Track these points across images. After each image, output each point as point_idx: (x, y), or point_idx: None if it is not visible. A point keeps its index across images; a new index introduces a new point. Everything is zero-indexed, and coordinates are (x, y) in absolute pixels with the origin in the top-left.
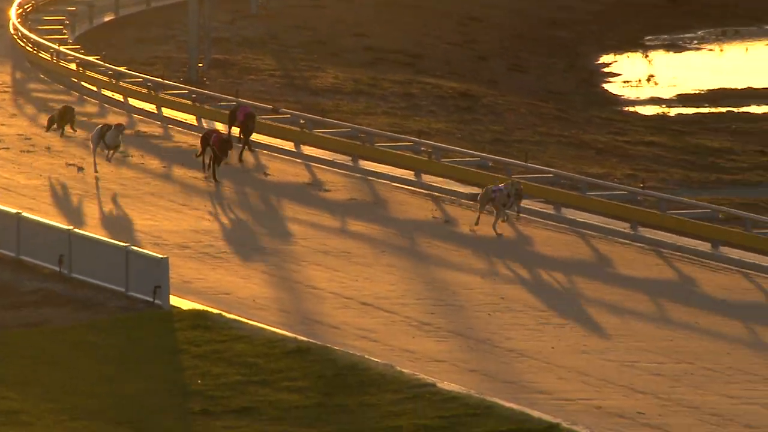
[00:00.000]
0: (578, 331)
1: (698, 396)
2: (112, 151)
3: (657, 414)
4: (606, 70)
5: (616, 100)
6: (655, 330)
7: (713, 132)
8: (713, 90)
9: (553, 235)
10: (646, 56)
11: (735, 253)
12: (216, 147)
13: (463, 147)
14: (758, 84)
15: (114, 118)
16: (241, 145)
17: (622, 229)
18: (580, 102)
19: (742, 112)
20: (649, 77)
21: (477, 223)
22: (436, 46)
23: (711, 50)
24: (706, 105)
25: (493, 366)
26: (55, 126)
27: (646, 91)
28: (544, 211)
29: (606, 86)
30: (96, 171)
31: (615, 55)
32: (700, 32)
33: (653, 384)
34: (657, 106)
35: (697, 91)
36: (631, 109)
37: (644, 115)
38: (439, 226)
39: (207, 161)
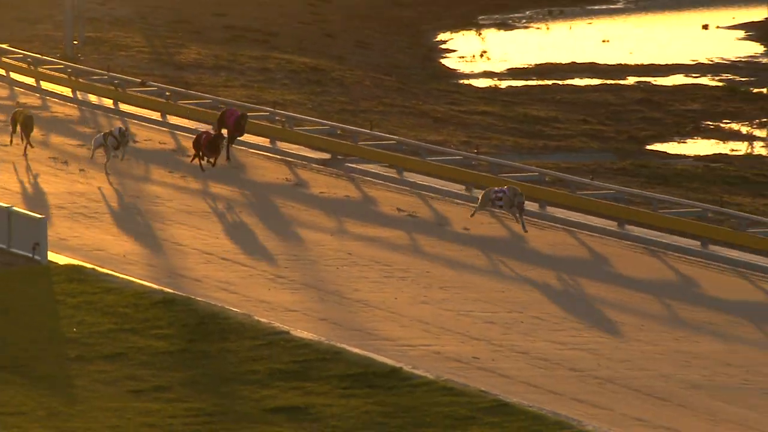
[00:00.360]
0: (419, 284)
1: (528, 342)
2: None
3: (490, 359)
4: (443, 46)
5: (453, 74)
6: (488, 282)
7: (540, 102)
8: (540, 64)
9: (396, 196)
10: (480, 34)
11: (559, 213)
12: (204, 146)
13: (314, 116)
14: (580, 59)
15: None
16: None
17: (458, 191)
18: (420, 75)
19: (566, 85)
20: (482, 53)
21: (473, 215)
22: (289, 25)
23: (538, 28)
24: (534, 78)
25: (342, 315)
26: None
27: (479, 66)
28: (388, 174)
29: (443, 61)
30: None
31: (451, 33)
32: (528, 12)
33: (487, 331)
34: (489, 79)
35: (525, 66)
36: (466, 81)
37: (478, 87)
38: (291, 188)
39: (204, 162)
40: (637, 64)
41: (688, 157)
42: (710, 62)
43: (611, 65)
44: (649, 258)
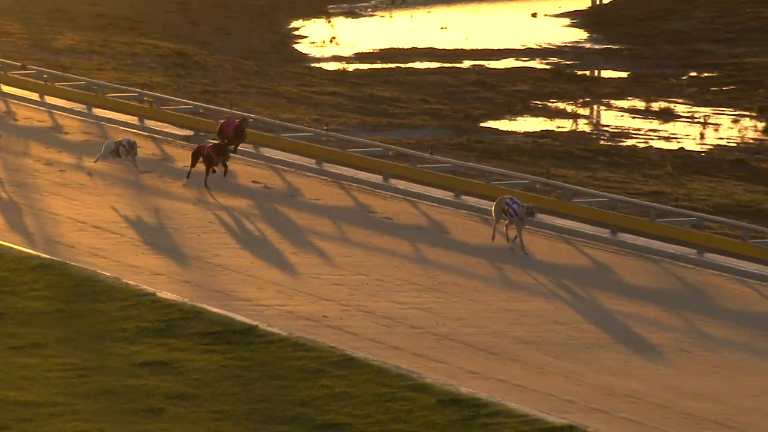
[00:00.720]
0: (274, 249)
1: (372, 302)
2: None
3: (338, 317)
4: (296, 33)
5: (305, 58)
6: (337, 248)
7: (384, 84)
8: (384, 49)
9: (253, 170)
10: (329, 22)
11: (401, 184)
12: (205, 156)
13: (179, 97)
14: (421, 44)
15: None
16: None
17: (309, 165)
18: (275, 60)
19: (408, 68)
20: (331, 39)
21: (493, 238)
22: (156, 14)
23: (382, 16)
24: (379, 62)
25: (203, 278)
26: None
27: (329, 51)
28: (247, 150)
29: (296, 47)
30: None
31: (303, 20)
32: (373, 1)
33: (335, 293)
34: (338, 63)
35: (371, 51)
36: (317, 65)
37: (327, 70)
38: (157, 162)
39: (215, 169)
40: (472, 49)
41: (519, 133)
42: (538, 47)
43: (449, 50)
44: (482, 225)
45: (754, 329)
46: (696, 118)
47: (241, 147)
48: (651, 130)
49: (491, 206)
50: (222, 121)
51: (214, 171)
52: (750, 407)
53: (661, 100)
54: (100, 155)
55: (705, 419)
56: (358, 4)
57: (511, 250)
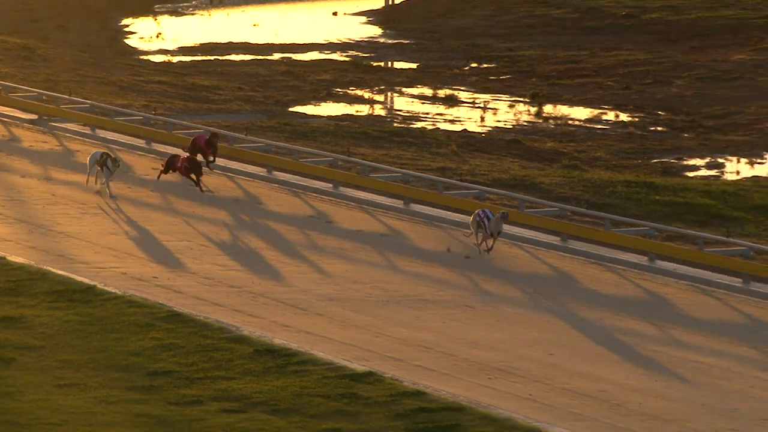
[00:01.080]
0: (108, 218)
1: (196, 264)
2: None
3: (167, 278)
4: (127, 29)
5: (135, 51)
6: (164, 217)
7: (204, 74)
8: (204, 44)
9: (90, 149)
10: (155, 19)
11: (221, 162)
12: (181, 168)
13: (24, 85)
14: (236, 39)
15: None
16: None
17: (140, 145)
18: (108, 53)
19: (225, 60)
20: (157, 34)
21: (480, 249)
22: (3, 12)
23: (202, 15)
24: (199, 54)
25: (48, 244)
26: None
27: (155, 45)
28: (83, 131)
29: (127, 41)
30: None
31: (133, 18)
32: (194, 1)
33: (164, 256)
34: (164, 56)
35: (192, 45)
36: (145, 57)
37: (154, 62)
38: (6, 142)
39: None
40: (282, 43)
41: (322, 117)
42: (339, 42)
43: (261, 44)
44: (292, 197)
45: (527, 286)
46: (477, 103)
47: (80, 129)
48: (438, 114)
49: (298, 180)
50: (194, 137)
51: (192, 179)
52: (526, 355)
53: (447, 88)
54: (89, 168)
55: (488, 366)
56: (181, 4)
57: (467, 259)
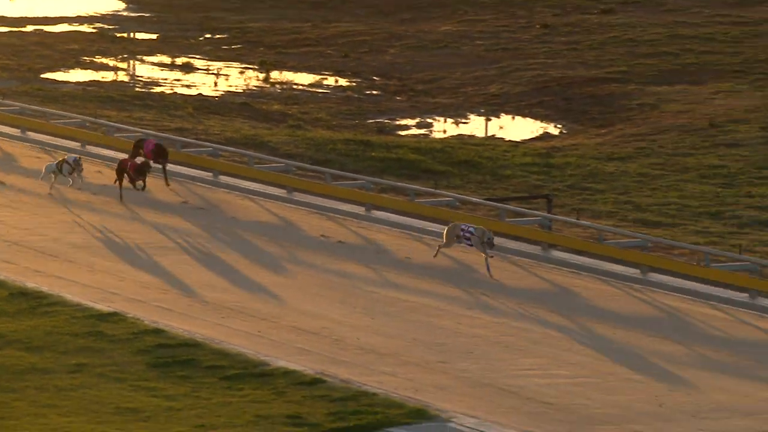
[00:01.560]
0: None
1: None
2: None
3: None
4: None
5: None
6: None
7: None
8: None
9: None
10: None
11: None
12: (131, 171)
13: None
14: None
15: None
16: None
17: None
18: None
19: None
20: None
21: (436, 254)
22: None
23: None
24: None
25: None
26: None
27: None
28: None
29: None
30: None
31: None
32: None
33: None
34: None
35: None
36: None
37: None
38: None
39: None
40: (35, 17)
41: (72, 83)
42: (87, 15)
43: (15, 17)
44: (45, 155)
45: (254, 234)
46: (211, 70)
47: None
48: (176, 80)
49: (54, 141)
50: (141, 139)
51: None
52: (256, 296)
53: (183, 57)
54: (44, 174)
55: (222, 306)
56: None
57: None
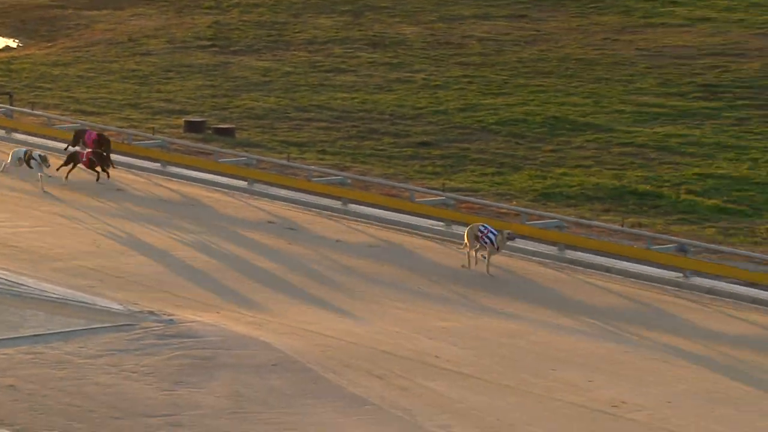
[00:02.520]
0: None
1: None
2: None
3: None
4: None
5: None
6: None
7: None
8: None
9: None
10: None
11: None
12: (88, 160)
13: None
14: None
15: None
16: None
17: None
18: None
19: None
20: None
21: (469, 265)
22: None
23: None
24: None
25: None
26: None
27: None
28: None
29: None
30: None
31: None
32: None
33: None
34: None
35: None
36: None
37: None
38: None
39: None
40: None
41: None
42: None
43: None
44: None
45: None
46: None
47: None
48: None
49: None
50: (81, 129)
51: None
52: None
53: None
54: (8, 163)
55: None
56: None
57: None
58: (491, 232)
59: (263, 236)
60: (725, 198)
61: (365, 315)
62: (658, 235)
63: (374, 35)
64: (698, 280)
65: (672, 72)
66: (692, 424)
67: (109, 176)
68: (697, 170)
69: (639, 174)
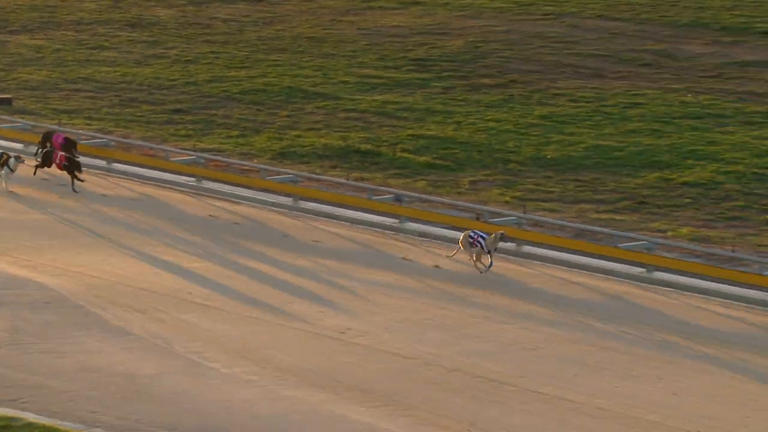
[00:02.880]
0: None
1: None
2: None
3: None
4: None
5: None
6: None
7: None
8: None
9: None
10: None
11: None
12: (60, 164)
13: None
14: None
15: None
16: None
17: None
18: None
19: None
20: None
21: (477, 266)
22: None
23: None
24: None
25: None
26: None
27: None
28: None
29: None
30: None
31: None
32: None
33: None
34: None
35: None
36: None
37: None
38: None
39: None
40: None
41: None
42: None
43: None
44: None
45: None
46: None
47: None
48: None
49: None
50: (49, 131)
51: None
52: None
53: None
54: None
55: None
56: None
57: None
58: (481, 236)
59: (36, 191)
60: (434, 155)
61: (127, 258)
62: (377, 187)
63: (133, 17)
64: (412, 225)
65: (388, 48)
66: (408, 347)
67: (82, 180)
68: (410, 132)
69: (361, 135)
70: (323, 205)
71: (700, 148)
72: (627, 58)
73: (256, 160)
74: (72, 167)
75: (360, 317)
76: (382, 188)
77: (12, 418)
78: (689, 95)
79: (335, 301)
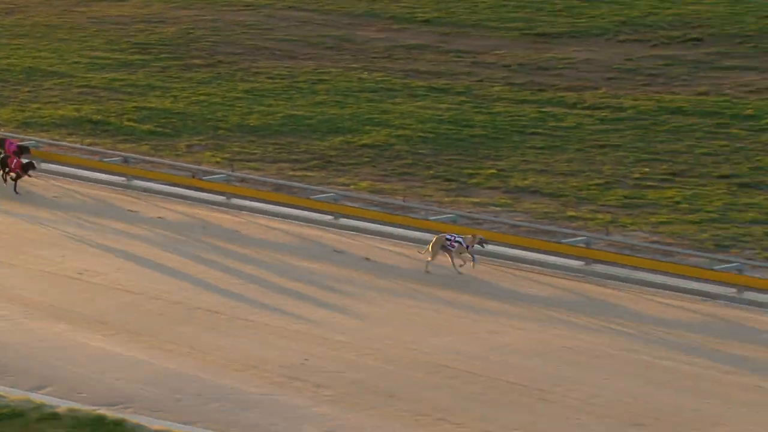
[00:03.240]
0: None
1: None
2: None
3: None
4: None
5: None
6: None
7: None
8: None
9: None
10: None
11: None
12: (18, 169)
13: None
14: None
15: None
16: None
17: None
18: None
19: None
20: None
21: (457, 268)
22: None
23: None
24: None
25: None
26: None
27: None
28: None
29: None
30: None
31: None
32: None
33: None
34: None
35: None
36: None
37: None
38: None
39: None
40: None
41: None
42: None
43: None
44: None
45: None
46: None
47: None
48: None
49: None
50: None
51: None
52: None
53: None
54: None
55: None
56: None
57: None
58: (456, 239)
59: None
60: (155, 124)
61: None
62: (107, 151)
63: None
64: (138, 182)
65: (114, 34)
66: (138, 284)
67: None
68: (135, 104)
69: (93, 107)
70: (62, 167)
71: (376, 116)
72: (314, 42)
73: (2, 129)
74: (27, 169)
75: (96, 259)
76: (111, 152)
77: None
78: (365, 73)
79: (73, 247)
